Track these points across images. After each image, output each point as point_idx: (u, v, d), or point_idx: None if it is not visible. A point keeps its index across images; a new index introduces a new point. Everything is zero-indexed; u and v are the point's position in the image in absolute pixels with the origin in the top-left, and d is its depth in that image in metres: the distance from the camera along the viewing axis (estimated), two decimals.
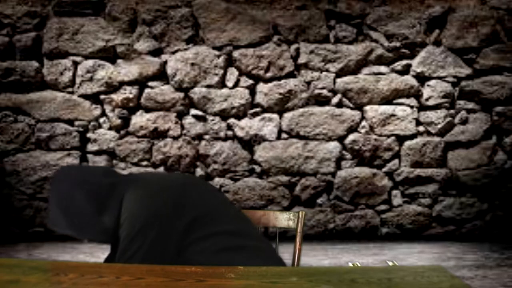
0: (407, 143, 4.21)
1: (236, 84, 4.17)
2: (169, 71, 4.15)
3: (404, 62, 4.17)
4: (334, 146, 4.20)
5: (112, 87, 4.17)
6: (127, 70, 4.14)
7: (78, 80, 4.18)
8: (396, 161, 4.22)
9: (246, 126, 4.18)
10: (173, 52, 4.15)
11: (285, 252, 3.27)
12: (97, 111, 4.19)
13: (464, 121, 4.20)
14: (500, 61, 4.16)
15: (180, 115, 4.19)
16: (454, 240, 4.15)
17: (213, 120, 4.18)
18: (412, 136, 4.21)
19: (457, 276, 1.20)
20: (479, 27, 4.14)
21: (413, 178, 4.21)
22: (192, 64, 4.15)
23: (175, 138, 4.19)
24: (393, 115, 4.19)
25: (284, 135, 4.21)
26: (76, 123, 4.19)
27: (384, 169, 4.22)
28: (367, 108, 4.19)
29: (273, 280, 1.05)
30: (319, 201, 4.23)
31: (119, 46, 4.14)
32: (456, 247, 3.93)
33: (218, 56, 4.15)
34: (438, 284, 1.03)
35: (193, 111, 4.18)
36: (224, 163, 4.19)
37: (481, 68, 4.18)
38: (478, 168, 4.22)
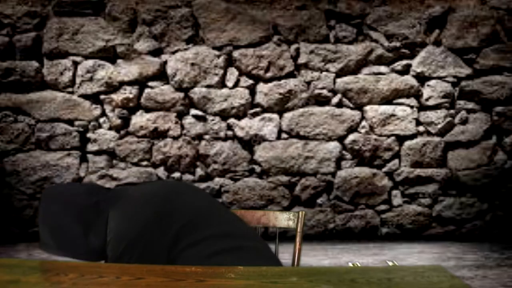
0: (407, 143, 4.21)
1: (236, 84, 4.17)
2: (169, 71, 4.15)
3: (404, 62, 4.17)
4: (334, 146, 4.20)
5: (112, 87, 4.17)
6: (127, 70, 4.14)
7: (78, 80, 4.18)
8: (396, 161, 4.22)
9: (246, 126, 4.18)
10: (173, 52, 4.15)
11: (285, 252, 3.27)
12: (97, 111, 4.19)
13: (464, 121, 4.20)
14: (500, 61, 4.16)
15: (180, 115, 4.19)
16: (454, 240, 4.15)
17: (213, 120, 4.18)
18: (412, 136, 4.21)
19: (457, 276, 1.20)
20: (479, 27, 4.14)
21: (413, 178, 4.21)
22: (192, 64, 4.15)
23: (175, 138, 4.19)
24: (393, 115, 4.19)
25: (284, 135, 4.21)
26: (76, 123, 4.19)
27: (384, 169, 4.22)
28: (367, 108, 4.19)
29: (273, 280, 1.05)
30: (319, 201, 4.23)
31: (119, 46, 4.14)
32: (456, 247, 3.93)
33: (218, 56, 4.15)
34: (438, 284, 1.03)
35: (193, 111, 4.18)
36: (224, 163, 4.19)
37: (481, 68, 4.18)
38: (478, 168, 4.22)
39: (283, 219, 1.60)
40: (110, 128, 4.20)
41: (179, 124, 4.19)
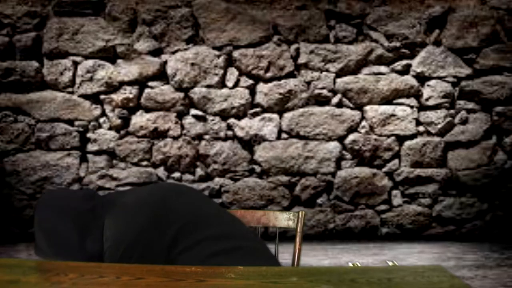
0: (407, 143, 4.21)
1: (236, 84, 4.17)
2: (169, 71, 4.15)
3: (404, 62, 4.17)
4: (334, 146, 4.20)
5: (112, 87, 4.17)
6: (127, 70, 4.14)
7: (78, 80, 4.18)
8: (396, 161, 4.22)
9: (246, 126, 4.18)
10: (173, 52, 4.15)
11: (285, 252, 3.27)
12: (97, 111, 4.19)
13: (464, 121, 4.20)
14: (500, 61, 4.16)
15: (180, 115, 4.19)
16: (454, 240, 4.15)
17: (213, 120, 4.18)
18: (412, 136, 4.21)
19: (457, 276, 1.20)
20: (479, 27, 4.14)
21: (413, 178, 4.21)
22: (192, 64, 4.15)
23: (175, 138, 4.19)
24: (393, 115, 4.19)
25: (284, 135, 4.21)
26: (76, 123, 4.19)
27: (384, 169, 4.22)
28: (367, 108, 4.19)
29: (273, 280, 1.05)
30: (319, 201, 4.23)
31: (119, 46, 4.14)
32: (456, 247, 3.93)
33: (218, 56, 4.15)
34: (438, 284, 1.03)
35: (193, 111, 4.18)
36: (224, 163, 4.19)
37: (481, 68, 4.18)
38: (478, 168, 4.22)
39: (283, 219, 1.60)
40: (110, 128, 4.20)
41: (179, 124, 4.19)
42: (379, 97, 4.18)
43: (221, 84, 4.17)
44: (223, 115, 4.18)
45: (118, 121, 4.18)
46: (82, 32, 4.14)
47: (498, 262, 3.46)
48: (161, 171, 4.21)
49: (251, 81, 4.17)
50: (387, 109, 4.19)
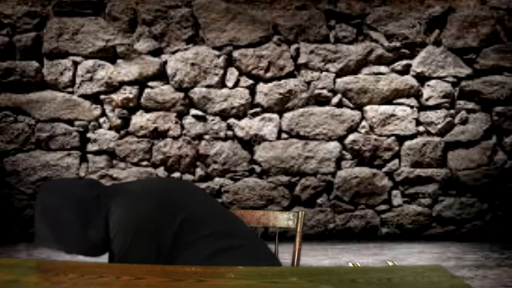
0: (407, 143, 4.21)
1: (236, 84, 4.17)
2: (169, 71, 4.15)
3: (404, 62, 4.17)
4: (334, 146, 4.20)
5: (112, 87, 4.17)
6: (127, 70, 4.14)
7: (78, 80, 4.18)
8: (396, 161, 4.22)
9: (246, 126, 4.18)
10: (173, 52, 4.15)
11: (285, 252, 3.27)
12: (97, 111, 4.19)
13: (464, 121, 4.20)
14: (500, 61, 4.16)
15: (180, 115, 4.19)
16: (454, 240, 4.15)
17: (213, 120, 4.18)
18: (412, 136, 4.21)
19: (457, 276, 1.20)
20: (479, 27, 4.14)
21: (413, 178, 4.21)
22: (192, 64, 4.15)
23: (175, 138, 4.19)
24: (393, 115, 4.19)
25: (284, 135, 4.21)
26: (76, 123, 4.19)
27: (384, 169, 4.22)
28: (367, 108, 4.19)
29: (273, 280, 1.05)
30: (319, 201, 4.23)
31: (119, 46, 4.14)
32: (456, 247, 3.93)
33: (218, 56, 4.15)
34: (438, 284, 1.03)
35: (193, 111, 4.18)
36: (224, 163, 4.19)
37: (481, 68, 4.18)
38: (478, 168, 4.22)
39: (283, 219, 1.60)
40: (110, 128, 4.20)
41: (179, 124, 4.19)
42: (379, 97, 4.18)
43: (221, 84, 4.17)
44: (223, 115, 4.18)
45: (118, 121, 4.18)
46: (82, 32, 4.14)
47: (498, 262, 3.46)
48: (161, 171, 4.21)
49: (251, 81, 4.17)
50: (387, 109, 4.19)
